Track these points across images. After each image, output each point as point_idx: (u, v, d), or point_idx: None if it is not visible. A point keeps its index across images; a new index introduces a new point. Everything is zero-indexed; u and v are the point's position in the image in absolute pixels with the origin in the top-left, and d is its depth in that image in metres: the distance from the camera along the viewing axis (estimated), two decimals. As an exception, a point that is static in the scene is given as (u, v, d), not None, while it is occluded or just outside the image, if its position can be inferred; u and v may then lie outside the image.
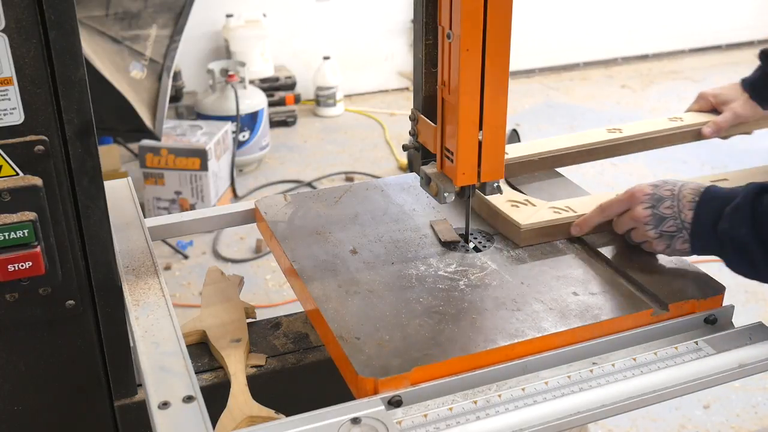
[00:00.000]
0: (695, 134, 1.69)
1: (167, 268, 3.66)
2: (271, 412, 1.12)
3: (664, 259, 1.28)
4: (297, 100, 5.39)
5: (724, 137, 1.70)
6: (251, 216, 1.53)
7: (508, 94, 1.20)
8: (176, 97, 4.98)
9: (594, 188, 1.49)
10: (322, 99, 5.51)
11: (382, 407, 0.96)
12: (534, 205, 1.39)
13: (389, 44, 5.92)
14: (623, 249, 1.31)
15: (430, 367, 1.03)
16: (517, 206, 1.38)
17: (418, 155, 1.35)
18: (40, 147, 1.03)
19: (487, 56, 1.16)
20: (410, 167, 4.29)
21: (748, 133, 1.71)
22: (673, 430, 2.67)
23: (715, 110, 1.71)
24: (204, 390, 0.99)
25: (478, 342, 1.08)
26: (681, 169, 4.51)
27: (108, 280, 1.15)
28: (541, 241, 1.34)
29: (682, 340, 1.12)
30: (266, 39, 5.30)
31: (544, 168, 1.59)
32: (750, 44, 6.88)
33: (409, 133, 1.36)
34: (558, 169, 1.63)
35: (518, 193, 1.46)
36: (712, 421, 2.68)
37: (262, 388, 1.21)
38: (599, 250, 1.31)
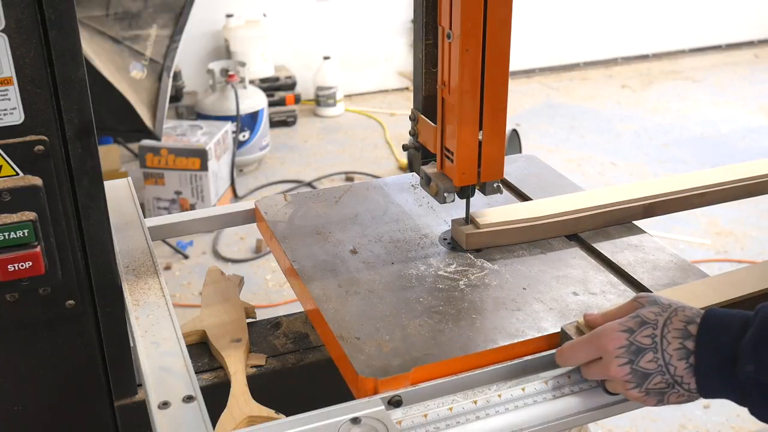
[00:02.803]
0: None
1: (167, 268, 3.66)
2: (271, 412, 1.12)
3: (663, 259, 1.28)
4: (297, 100, 5.39)
5: None
6: (251, 216, 1.53)
7: (508, 94, 1.21)
8: (176, 97, 4.98)
9: (594, 188, 1.49)
10: (322, 99, 5.51)
11: (382, 407, 0.96)
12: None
13: (389, 44, 5.92)
14: (623, 248, 1.31)
15: (430, 366, 1.03)
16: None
17: (418, 155, 1.35)
18: (40, 147, 1.03)
19: (487, 56, 1.16)
20: (410, 167, 4.29)
21: None
22: (673, 430, 2.67)
23: None
24: (204, 390, 0.99)
25: (478, 342, 1.08)
26: (681, 169, 4.52)
27: (108, 280, 1.15)
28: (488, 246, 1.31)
29: (682, 340, 1.12)
30: (266, 39, 5.30)
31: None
32: (750, 44, 6.89)
33: (409, 133, 1.36)
34: (559, 169, 1.63)
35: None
36: (712, 421, 2.68)
37: (262, 388, 1.21)
38: (599, 249, 1.31)
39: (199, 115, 4.68)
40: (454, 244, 1.33)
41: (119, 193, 1.48)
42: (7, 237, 1.02)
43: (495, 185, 1.27)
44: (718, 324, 0.94)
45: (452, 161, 1.24)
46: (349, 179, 4.54)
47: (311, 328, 1.36)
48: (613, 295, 1.19)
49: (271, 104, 5.07)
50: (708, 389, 0.95)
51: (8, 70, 0.99)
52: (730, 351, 0.91)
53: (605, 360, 0.98)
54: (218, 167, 4.15)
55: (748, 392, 0.91)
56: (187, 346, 1.07)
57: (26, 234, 1.03)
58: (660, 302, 1.00)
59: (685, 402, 0.98)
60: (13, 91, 1.00)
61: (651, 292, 1.19)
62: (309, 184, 4.50)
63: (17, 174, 1.03)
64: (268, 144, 4.81)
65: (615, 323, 1.00)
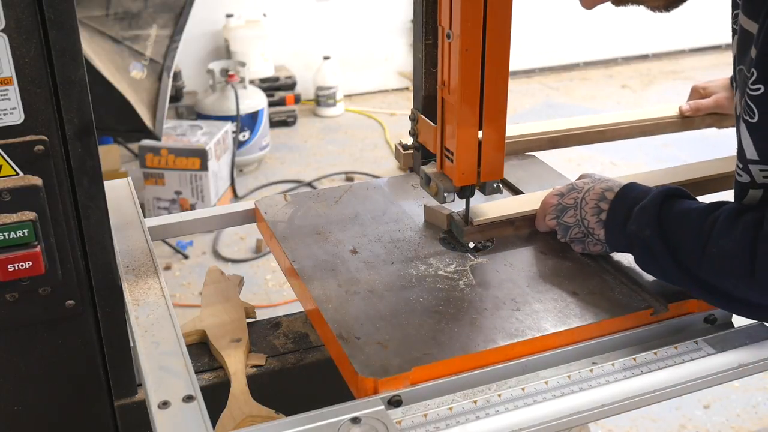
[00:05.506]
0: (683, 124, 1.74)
1: (167, 268, 3.66)
2: (271, 412, 1.12)
3: (664, 259, 1.28)
4: (297, 100, 5.39)
5: (708, 126, 1.76)
6: (251, 216, 1.53)
7: (508, 94, 1.21)
8: (176, 97, 4.97)
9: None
10: (322, 99, 5.51)
11: (382, 407, 0.96)
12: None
13: (389, 44, 5.92)
14: (623, 249, 1.31)
15: (430, 366, 1.03)
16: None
17: (419, 155, 1.35)
18: (40, 147, 1.03)
19: (487, 56, 1.16)
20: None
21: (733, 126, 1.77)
22: (673, 430, 2.67)
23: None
24: (204, 390, 0.99)
25: (478, 342, 1.08)
26: (681, 169, 4.51)
27: (108, 280, 1.15)
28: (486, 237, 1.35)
29: (682, 340, 1.12)
30: (266, 39, 5.30)
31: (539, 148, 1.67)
32: (750, 44, 6.88)
33: (409, 133, 1.36)
34: (559, 168, 1.63)
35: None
36: (712, 421, 2.68)
37: (262, 388, 1.21)
38: (599, 250, 1.31)
39: (199, 115, 4.67)
40: (452, 242, 1.33)
41: (119, 193, 1.48)
42: (7, 237, 1.02)
43: (495, 185, 1.27)
44: (630, 193, 1.20)
45: (452, 161, 1.24)
46: (349, 179, 4.54)
47: (311, 328, 1.36)
48: (613, 295, 1.19)
49: (271, 104, 5.06)
50: (612, 242, 1.22)
51: (8, 70, 0.99)
52: (629, 214, 1.17)
53: (546, 219, 1.30)
54: (218, 167, 4.15)
55: (633, 246, 1.17)
56: (187, 346, 1.07)
57: (26, 234, 1.03)
58: (593, 176, 1.30)
59: (601, 252, 1.26)
60: (13, 91, 1.00)
61: (651, 291, 1.19)
62: (309, 184, 4.50)
63: (17, 174, 1.03)
64: (268, 144, 4.81)
65: (554, 189, 1.31)
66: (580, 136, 1.68)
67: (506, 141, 1.52)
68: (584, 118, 1.72)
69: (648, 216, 1.13)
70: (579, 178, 1.33)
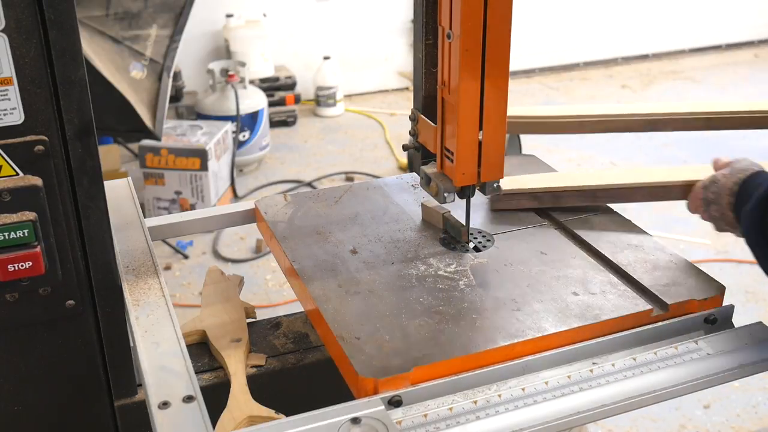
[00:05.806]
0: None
1: (167, 268, 3.66)
2: (271, 412, 1.12)
3: (663, 259, 1.28)
4: (297, 100, 5.39)
5: None
6: (251, 216, 1.53)
7: (508, 94, 1.21)
8: (176, 97, 4.98)
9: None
10: (322, 99, 5.51)
11: (382, 407, 0.96)
12: None
13: (389, 44, 5.92)
14: (623, 248, 1.31)
15: (430, 367, 1.03)
16: None
17: (418, 155, 1.35)
18: (40, 147, 1.03)
19: (487, 56, 1.16)
20: (410, 167, 4.29)
21: None
22: (673, 430, 2.67)
23: None
24: (204, 390, 0.99)
25: (478, 342, 1.08)
26: (681, 169, 4.51)
27: (108, 280, 1.16)
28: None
29: (682, 340, 1.12)
30: (266, 39, 5.30)
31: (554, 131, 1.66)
32: (750, 44, 6.88)
33: (409, 133, 1.36)
34: (559, 168, 1.64)
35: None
36: (712, 421, 2.68)
37: (262, 388, 1.21)
38: (599, 250, 1.31)
39: (199, 115, 4.67)
40: (452, 242, 1.33)
41: (119, 193, 1.48)
42: (7, 237, 1.02)
43: (495, 185, 1.27)
44: (759, 178, 1.22)
45: (452, 161, 1.24)
46: (349, 179, 4.54)
47: (311, 328, 1.36)
48: (613, 295, 1.19)
49: (271, 104, 5.06)
50: (741, 228, 1.20)
51: (8, 70, 0.99)
52: (748, 200, 1.18)
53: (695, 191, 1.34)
54: (218, 167, 4.15)
55: (746, 231, 1.16)
56: (187, 346, 1.07)
57: (26, 234, 1.03)
58: (749, 159, 1.30)
59: (735, 233, 1.27)
60: (13, 91, 1.00)
61: (651, 291, 1.19)
62: (309, 184, 4.50)
63: (17, 174, 1.03)
64: (268, 144, 4.81)
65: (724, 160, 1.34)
66: (684, 122, 1.59)
67: (598, 119, 1.56)
68: (688, 104, 1.62)
69: (761, 205, 1.14)
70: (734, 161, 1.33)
